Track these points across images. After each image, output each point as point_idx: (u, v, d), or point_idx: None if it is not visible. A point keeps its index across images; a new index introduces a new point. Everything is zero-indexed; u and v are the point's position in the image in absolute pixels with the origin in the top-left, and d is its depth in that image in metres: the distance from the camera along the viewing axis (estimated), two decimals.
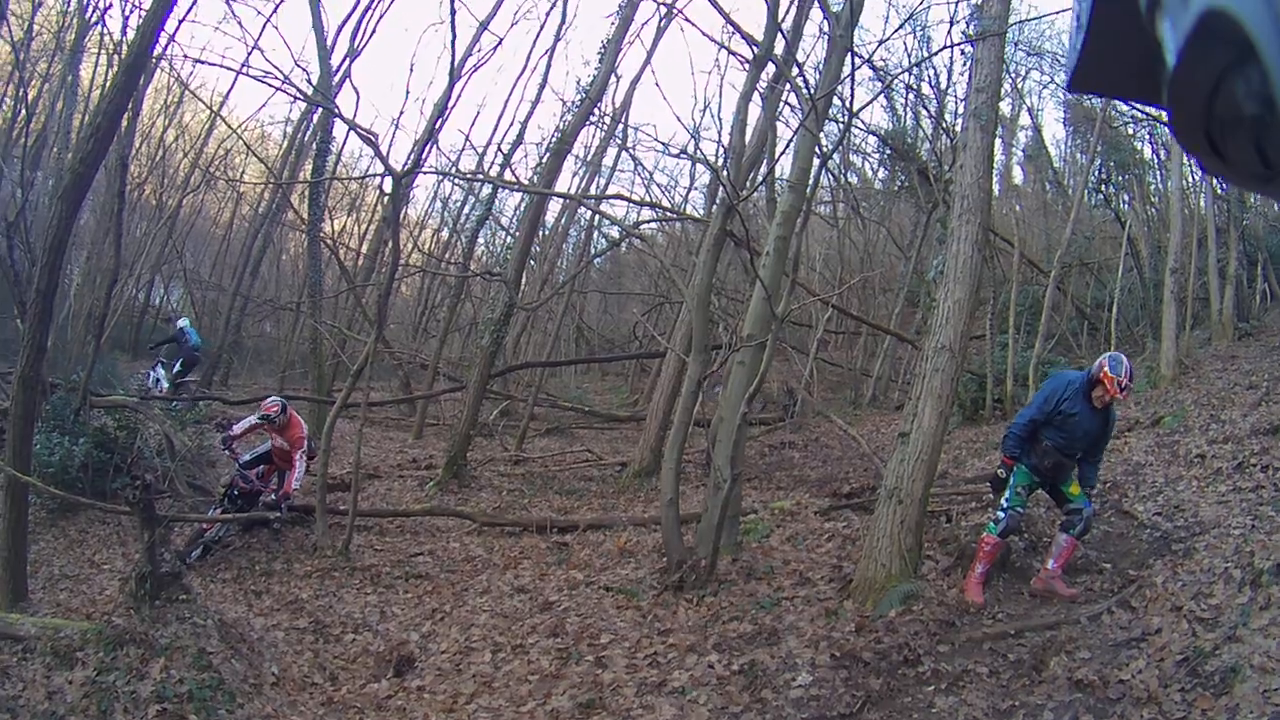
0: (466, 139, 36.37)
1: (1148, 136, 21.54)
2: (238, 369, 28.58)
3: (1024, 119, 28.75)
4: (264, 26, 32.37)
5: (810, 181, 10.85)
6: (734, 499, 9.75)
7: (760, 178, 13.24)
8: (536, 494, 15.23)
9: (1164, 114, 0.74)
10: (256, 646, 8.05)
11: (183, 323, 21.81)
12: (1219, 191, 17.82)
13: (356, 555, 11.40)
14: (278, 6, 25.02)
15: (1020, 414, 7.83)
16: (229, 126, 27.71)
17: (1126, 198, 21.30)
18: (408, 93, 73.52)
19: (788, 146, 12.01)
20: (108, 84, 18.42)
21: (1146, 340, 16.86)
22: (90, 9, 21.68)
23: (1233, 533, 7.58)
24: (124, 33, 18.40)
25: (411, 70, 70.72)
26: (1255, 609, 5.81)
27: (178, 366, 20.56)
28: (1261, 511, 7.91)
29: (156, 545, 8.03)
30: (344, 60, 23.75)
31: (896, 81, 21.22)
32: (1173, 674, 5.34)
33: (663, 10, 21.90)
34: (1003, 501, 7.65)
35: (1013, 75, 23.45)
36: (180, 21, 19.44)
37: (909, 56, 23.67)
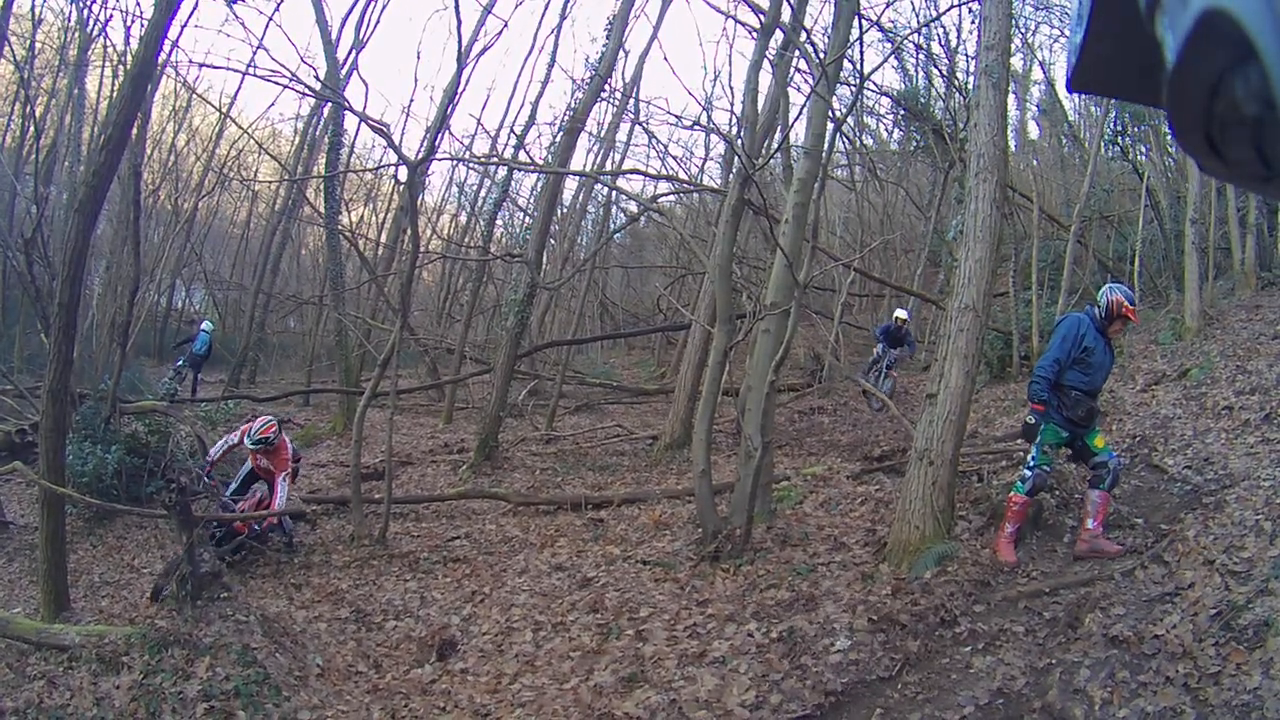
0: (479, 123, 36.35)
1: None
2: (265, 365, 29.16)
3: (1036, 73, 28.50)
4: (267, 26, 32.29)
5: (825, 146, 10.81)
6: (765, 467, 9.78)
7: (775, 145, 13.24)
8: (570, 472, 15.30)
9: (1164, 113, 0.73)
10: (300, 639, 8.23)
11: (205, 325, 22.48)
12: None
13: (394, 542, 11.55)
14: (279, 5, 25.14)
15: (1042, 360, 7.82)
16: (239, 127, 28.11)
17: (1144, 149, 20.97)
18: (416, 81, 73.97)
19: (801, 112, 12.03)
20: (115, 95, 18.78)
21: (1170, 292, 16.65)
22: (91, 22, 22.07)
23: (1263, 484, 7.59)
24: (127, 43, 18.79)
25: (418, 58, 70.77)
26: None
27: (180, 360, 21.52)
28: None
29: (195, 546, 8.16)
30: (350, 53, 24.15)
31: (906, 42, 21.03)
32: (1206, 628, 5.35)
33: None
34: (1029, 460, 7.69)
35: (1023, 30, 23.15)
36: (183, 27, 19.62)
37: (917, 16, 23.56)
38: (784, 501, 10.81)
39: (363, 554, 11.13)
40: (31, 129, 21.43)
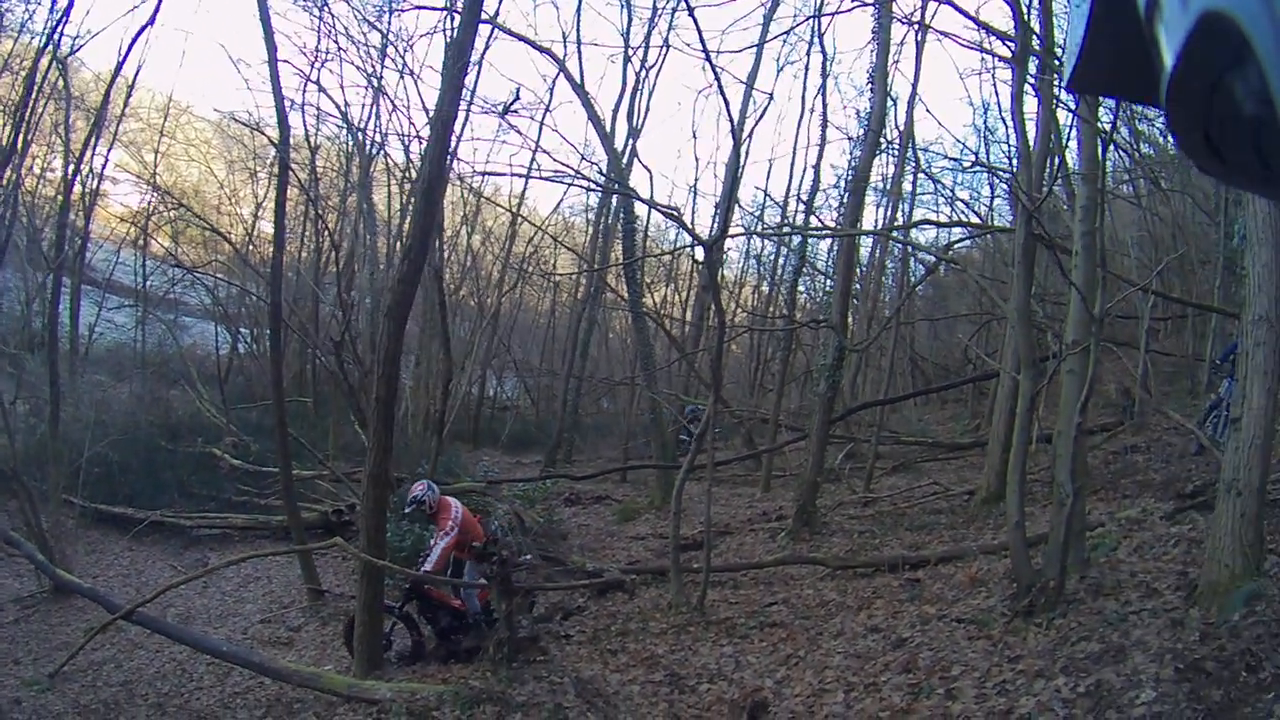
0: (765, 193, 36.82)
1: None
2: (580, 446, 30.37)
3: None
4: (540, 130, 34.24)
5: (1099, 168, 10.60)
6: (1078, 514, 9.53)
7: (1053, 174, 13.13)
8: (887, 532, 15.24)
9: (1162, 114, 0.76)
10: (612, 700, 8.62)
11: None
12: None
13: (711, 609, 11.79)
14: (545, 112, 26.63)
15: None
16: (532, 225, 30.35)
17: None
18: (697, 160, 76.86)
19: (1069, 135, 11.90)
20: (405, 204, 22.27)
21: None
22: (369, 145, 25.01)
23: None
24: (407, 158, 21.22)
25: (694, 138, 73.86)
26: None
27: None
28: None
29: (515, 613, 8.81)
30: (627, 141, 25.72)
31: None
32: None
33: (916, 28, 21.85)
34: None
35: None
36: (459, 141, 21.25)
37: None
38: (1099, 549, 10.47)
39: (680, 620, 11.45)
40: (328, 242, 23.78)
